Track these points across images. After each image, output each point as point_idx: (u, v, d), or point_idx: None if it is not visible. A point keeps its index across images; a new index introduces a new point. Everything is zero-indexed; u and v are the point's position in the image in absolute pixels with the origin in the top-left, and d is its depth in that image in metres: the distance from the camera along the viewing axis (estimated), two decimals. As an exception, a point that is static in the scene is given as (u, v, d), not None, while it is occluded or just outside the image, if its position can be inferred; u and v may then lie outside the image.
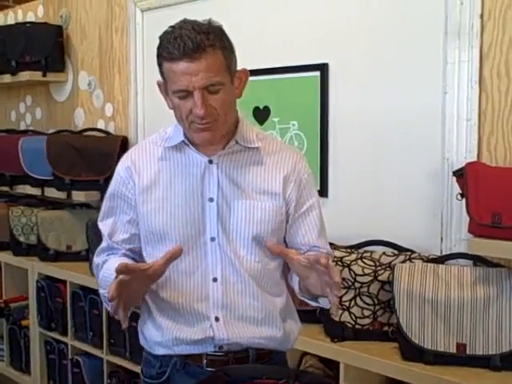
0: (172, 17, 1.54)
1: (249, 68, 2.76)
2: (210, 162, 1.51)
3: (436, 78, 2.14)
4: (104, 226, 1.61)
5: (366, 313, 2.10)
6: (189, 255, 1.50)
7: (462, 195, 1.95)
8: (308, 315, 2.21)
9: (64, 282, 3.14)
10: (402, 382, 1.94)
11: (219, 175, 1.51)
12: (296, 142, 2.55)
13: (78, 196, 3.25)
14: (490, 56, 2.03)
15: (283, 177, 1.54)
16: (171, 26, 1.43)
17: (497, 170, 1.98)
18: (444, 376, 1.84)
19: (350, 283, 2.11)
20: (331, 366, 2.17)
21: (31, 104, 4.08)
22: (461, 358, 1.89)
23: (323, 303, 1.46)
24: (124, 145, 3.25)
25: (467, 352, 1.89)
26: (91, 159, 3.21)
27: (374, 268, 2.11)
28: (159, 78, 1.48)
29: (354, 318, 2.10)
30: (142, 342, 1.62)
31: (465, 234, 2.03)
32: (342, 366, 2.04)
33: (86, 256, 3.19)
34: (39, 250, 3.32)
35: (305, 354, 2.26)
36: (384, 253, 2.16)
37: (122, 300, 1.35)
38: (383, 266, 2.11)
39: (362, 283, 2.10)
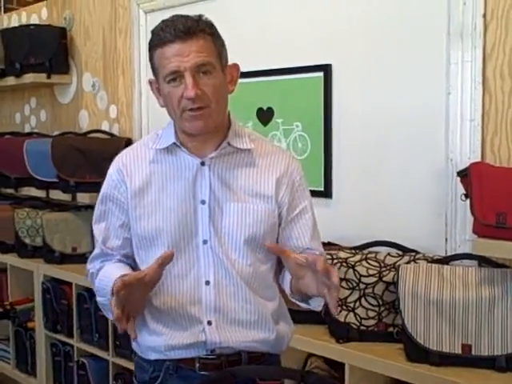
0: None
1: (252, 69, 2.77)
2: (202, 164, 1.51)
3: (439, 79, 2.14)
4: (97, 230, 1.60)
5: (371, 314, 2.10)
6: (181, 258, 1.50)
7: (466, 195, 1.95)
8: (313, 316, 2.21)
9: (69, 283, 3.15)
10: (407, 383, 1.94)
11: (211, 177, 1.51)
12: (300, 143, 2.56)
13: (83, 198, 3.26)
14: (493, 56, 2.02)
15: (276, 179, 1.53)
16: (163, 20, 1.46)
17: (501, 170, 1.98)
18: (449, 377, 1.83)
19: (354, 284, 2.11)
20: (336, 367, 2.17)
21: (36, 106, 4.09)
22: (466, 359, 1.89)
23: (314, 305, 1.46)
24: (128, 146, 3.24)
25: (472, 353, 1.89)
26: (96, 161, 3.21)
27: (378, 269, 2.11)
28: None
29: (358, 318, 2.10)
30: (134, 346, 1.61)
31: (469, 235, 2.02)
32: (347, 367, 2.04)
33: (91, 258, 3.19)
34: (44, 252, 3.33)
35: (310, 355, 2.26)
36: (388, 253, 2.16)
37: (125, 315, 1.35)
38: (388, 267, 2.10)
39: (367, 284, 2.10)
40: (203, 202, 1.50)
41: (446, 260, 2.04)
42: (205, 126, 1.45)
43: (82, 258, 3.26)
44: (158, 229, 1.50)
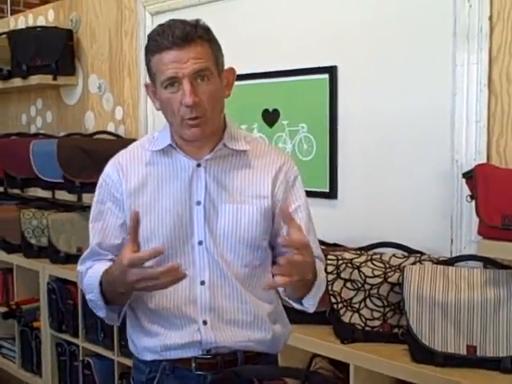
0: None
1: (258, 71, 2.78)
2: (198, 165, 1.52)
3: (445, 81, 2.14)
4: (93, 230, 1.59)
5: (376, 314, 2.10)
6: (177, 259, 1.50)
7: (472, 197, 1.95)
8: (318, 317, 2.22)
9: (75, 283, 3.15)
10: (411, 383, 1.95)
11: (207, 179, 1.52)
12: (305, 145, 2.56)
13: (89, 198, 3.25)
14: (499, 58, 2.03)
15: (271, 179, 1.54)
16: (160, 24, 1.46)
17: (506, 171, 1.98)
18: (454, 378, 1.84)
19: (359, 285, 2.12)
20: (341, 367, 2.18)
21: (42, 107, 4.10)
22: (471, 360, 1.89)
23: (307, 305, 1.47)
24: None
25: (477, 354, 1.89)
26: (101, 162, 3.15)
27: (383, 270, 2.11)
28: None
29: (363, 319, 2.11)
30: (131, 347, 1.62)
31: (475, 236, 2.03)
32: (351, 368, 2.05)
33: (96, 258, 3.21)
34: (50, 253, 3.34)
35: (314, 355, 2.26)
36: (394, 255, 2.16)
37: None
38: (393, 268, 2.11)
39: (372, 285, 2.11)
40: (199, 203, 1.51)
41: (451, 261, 2.04)
42: (202, 133, 1.47)
43: (87, 259, 3.29)
44: (153, 229, 1.51)
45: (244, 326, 1.53)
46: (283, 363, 1.93)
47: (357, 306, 2.12)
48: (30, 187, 3.55)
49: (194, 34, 1.41)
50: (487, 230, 1.87)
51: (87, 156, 3.25)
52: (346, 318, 2.12)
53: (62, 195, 3.35)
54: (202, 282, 1.51)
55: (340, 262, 2.14)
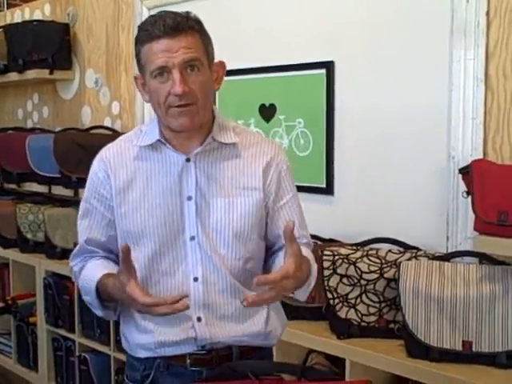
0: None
1: (255, 65, 2.78)
2: (188, 160, 1.50)
3: (442, 77, 2.14)
4: (81, 227, 1.58)
5: (372, 310, 2.11)
6: (169, 255, 1.50)
7: (468, 193, 1.96)
8: (314, 312, 2.23)
9: (71, 279, 3.13)
10: (407, 379, 1.95)
11: (197, 173, 1.50)
12: (302, 140, 2.56)
13: (85, 194, 3.26)
14: (496, 54, 2.03)
15: (262, 170, 1.53)
16: (151, 15, 1.46)
17: (502, 167, 1.98)
18: (450, 373, 1.84)
19: (355, 280, 2.12)
20: (337, 363, 2.18)
21: (38, 102, 4.09)
22: (467, 356, 1.89)
23: (299, 296, 1.47)
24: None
25: (473, 349, 1.89)
26: (98, 157, 3.21)
27: (379, 265, 2.11)
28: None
29: (359, 315, 2.11)
30: (124, 345, 1.61)
31: (470, 232, 2.03)
32: (347, 363, 2.05)
33: (92, 253, 3.20)
34: (46, 248, 3.34)
35: (311, 351, 2.27)
36: (390, 250, 2.16)
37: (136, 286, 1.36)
38: (389, 264, 2.11)
39: (368, 280, 2.11)
40: (189, 198, 1.50)
41: (447, 257, 2.04)
42: (190, 123, 1.44)
43: (83, 254, 3.29)
44: (143, 226, 1.50)
45: (238, 320, 1.53)
46: (279, 359, 1.93)
47: (353, 301, 2.12)
48: (26, 182, 3.55)
49: (185, 24, 1.40)
50: (483, 226, 1.87)
51: (84, 151, 3.24)
52: (342, 314, 2.12)
53: (59, 190, 3.35)
54: (195, 279, 1.50)
55: (336, 257, 2.14)
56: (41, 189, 3.47)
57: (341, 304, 2.13)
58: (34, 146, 3.39)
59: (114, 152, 1.55)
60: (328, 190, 2.47)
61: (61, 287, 3.23)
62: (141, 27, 1.45)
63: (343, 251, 2.16)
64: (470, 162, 1.99)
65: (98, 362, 3.06)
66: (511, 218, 1.83)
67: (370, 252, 2.16)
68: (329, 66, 2.45)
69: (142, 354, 1.56)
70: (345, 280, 2.13)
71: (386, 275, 2.10)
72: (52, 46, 3.60)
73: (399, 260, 2.09)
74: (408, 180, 2.26)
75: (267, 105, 2.68)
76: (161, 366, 1.54)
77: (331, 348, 2.12)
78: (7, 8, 4.47)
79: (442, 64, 2.14)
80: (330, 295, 2.14)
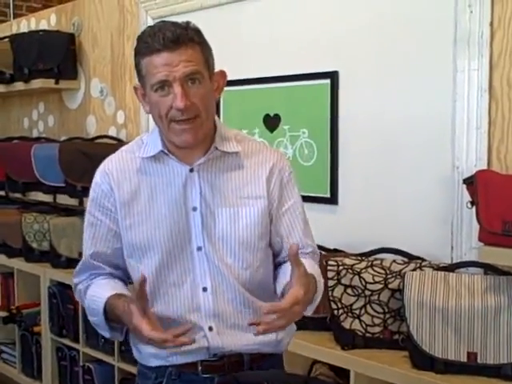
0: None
1: (259, 76, 2.79)
2: (191, 170, 1.49)
3: (446, 87, 2.14)
4: (86, 240, 1.56)
5: (377, 321, 2.10)
6: (176, 266, 1.49)
7: (472, 203, 1.95)
8: (318, 323, 2.22)
9: (76, 288, 3.15)
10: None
11: (201, 183, 1.49)
12: (306, 150, 2.56)
13: (90, 203, 3.26)
14: (500, 64, 2.03)
15: (266, 178, 1.52)
16: (150, 26, 1.44)
17: (507, 177, 1.97)
18: (454, 385, 1.84)
19: (360, 291, 2.11)
20: (341, 374, 2.17)
21: (44, 111, 4.11)
22: (471, 367, 1.88)
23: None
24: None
25: (478, 361, 1.88)
26: (103, 166, 3.22)
27: (384, 276, 2.11)
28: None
29: (364, 325, 2.10)
30: (135, 355, 1.61)
31: (475, 243, 2.02)
32: (352, 375, 2.04)
33: (97, 263, 3.21)
34: (51, 257, 3.35)
35: (315, 361, 2.26)
36: (394, 261, 2.16)
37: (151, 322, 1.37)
38: (394, 274, 2.10)
39: (373, 291, 2.10)
40: (194, 209, 1.49)
41: (451, 268, 2.03)
42: (194, 139, 1.43)
43: (88, 263, 3.29)
44: (149, 238, 1.49)
45: (249, 329, 1.50)
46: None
47: (357, 312, 2.11)
48: (31, 191, 3.56)
49: (185, 37, 1.39)
50: (488, 236, 1.86)
51: (89, 160, 3.25)
52: (346, 324, 2.12)
53: (64, 199, 3.35)
54: (204, 289, 1.50)
55: (340, 267, 2.14)
56: (46, 198, 3.47)
57: (345, 315, 2.12)
58: (40, 155, 3.40)
59: (117, 164, 1.53)
60: (332, 199, 2.47)
61: (65, 296, 3.23)
62: (140, 38, 1.43)
63: (348, 261, 2.16)
64: (474, 171, 1.99)
65: (102, 372, 3.06)
66: (516, 228, 1.82)
67: (375, 262, 2.15)
68: (333, 76, 2.46)
69: (154, 363, 1.55)
70: (349, 290, 2.12)
71: (390, 286, 2.09)
72: (57, 56, 3.62)
73: (404, 271, 2.08)
74: (412, 190, 2.26)
75: (271, 115, 2.69)
76: (172, 373, 1.54)
77: (335, 359, 2.11)
78: (13, 18, 4.49)
79: (445, 74, 2.14)
80: (334, 306, 2.14)
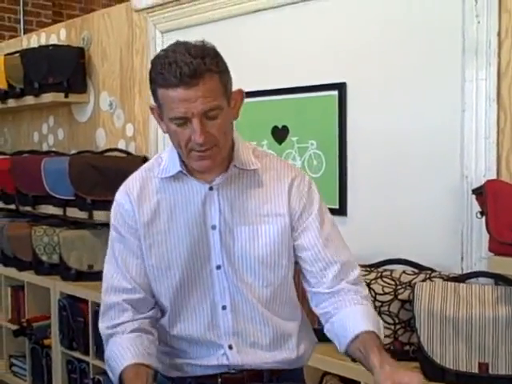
0: (191, 36, 1.55)
1: (267, 88, 2.79)
2: (211, 188, 1.48)
3: (454, 97, 2.14)
4: (112, 273, 1.52)
5: (387, 332, 2.09)
6: (196, 285, 1.49)
7: (482, 213, 1.94)
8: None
9: (86, 301, 3.16)
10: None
11: (220, 201, 1.48)
12: (315, 161, 2.57)
13: (100, 216, 3.27)
14: (508, 74, 2.03)
15: (286, 195, 1.50)
16: (163, 50, 1.40)
17: (517, 187, 1.97)
18: (466, 396, 1.82)
19: (370, 302, 2.10)
20: (352, 385, 2.16)
21: (53, 125, 4.14)
22: (483, 378, 1.87)
23: None
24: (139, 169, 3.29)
25: (490, 371, 1.87)
26: (112, 179, 3.21)
27: (394, 287, 2.10)
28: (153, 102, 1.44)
29: (374, 337, 2.09)
30: (155, 364, 1.57)
31: (485, 253, 2.01)
32: (362, 386, 2.04)
33: (107, 275, 3.22)
34: (61, 270, 3.36)
35: (325, 373, 2.25)
36: (404, 271, 2.15)
37: None
38: (403, 285, 2.10)
39: (383, 302, 2.09)
40: (214, 228, 1.48)
41: (462, 278, 2.02)
42: (212, 164, 1.43)
43: (98, 276, 3.25)
44: (169, 257, 1.48)
45: (269, 348, 1.51)
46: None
47: (367, 323, 2.10)
48: (41, 204, 3.57)
49: (203, 69, 1.34)
50: (498, 247, 1.86)
51: (98, 173, 3.27)
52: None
53: (74, 212, 3.36)
54: (224, 307, 1.49)
55: (350, 278, 2.13)
56: (56, 211, 3.48)
57: (355, 326, 2.11)
58: (50, 168, 3.42)
59: (137, 184, 1.52)
60: (341, 210, 2.47)
61: (75, 309, 3.23)
62: (155, 66, 1.38)
63: (357, 272, 2.15)
64: (483, 181, 1.98)
65: (112, 385, 3.05)
66: (526, 238, 1.81)
67: (384, 273, 2.15)
68: (341, 88, 2.46)
69: (174, 374, 1.55)
70: (359, 301, 2.11)
71: (400, 297, 2.08)
72: (67, 70, 3.65)
73: (414, 281, 2.07)
74: (422, 200, 2.26)
75: (280, 127, 2.69)
76: None
77: (346, 370, 2.10)
78: (24, 33, 4.54)
79: (454, 84, 2.14)
80: (343, 317, 2.13)
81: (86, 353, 3.17)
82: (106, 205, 3.21)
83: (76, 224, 3.52)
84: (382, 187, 2.37)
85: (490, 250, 1.89)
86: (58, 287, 3.33)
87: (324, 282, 1.48)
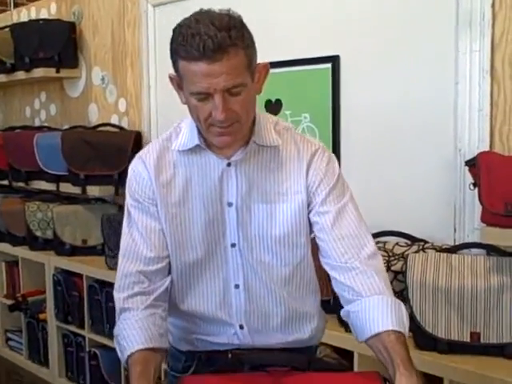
0: (183, 10, 1.54)
1: (260, 61, 2.76)
2: (229, 164, 1.42)
3: (447, 69, 2.14)
4: (133, 238, 1.45)
5: (380, 303, 2.11)
6: (209, 262, 1.45)
7: (475, 185, 1.96)
8: (322, 305, 2.23)
9: (80, 275, 3.18)
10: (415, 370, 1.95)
11: (238, 178, 1.42)
12: (308, 135, 2.56)
13: (93, 191, 3.28)
14: (502, 46, 2.03)
15: (305, 171, 1.43)
16: (187, 19, 1.31)
17: (509, 159, 1.98)
18: (458, 365, 1.85)
19: (363, 274, 2.12)
20: (346, 356, 2.19)
21: (45, 100, 4.11)
22: (475, 347, 1.90)
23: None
24: (138, 139, 3.29)
25: (481, 340, 1.89)
26: (105, 154, 3.24)
27: (387, 258, 2.12)
28: (171, 71, 1.37)
29: (367, 308, 2.11)
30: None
31: (478, 224, 2.03)
32: (356, 356, 2.06)
33: (101, 250, 3.23)
34: (55, 245, 3.37)
35: (319, 344, 2.27)
36: (397, 243, 2.17)
37: None
38: (396, 257, 2.11)
39: (376, 273, 2.11)
40: (230, 205, 1.43)
41: (454, 249, 2.04)
42: (232, 140, 1.36)
43: (92, 251, 3.32)
44: (184, 231, 1.44)
45: (280, 328, 1.50)
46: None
47: (361, 294, 2.12)
48: (34, 180, 3.57)
49: (228, 43, 1.25)
50: (490, 217, 1.87)
51: (91, 148, 3.26)
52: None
53: (67, 188, 3.37)
54: (237, 286, 1.46)
55: (343, 250, 2.14)
56: (49, 187, 3.48)
57: (349, 297, 2.13)
58: (42, 144, 3.41)
59: (154, 154, 1.46)
60: (335, 183, 2.47)
61: (70, 284, 3.25)
62: (177, 37, 1.29)
63: (350, 244, 2.16)
64: (476, 153, 1.99)
65: (108, 358, 3.07)
66: (518, 209, 1.83)
67: (378, 245, 2.14)
68: (334, 61, 2.45)
69: (184, 348, 1.54)
70: (352, 273, 2.13)
71: (393, 268, 2.10)
72: (58, 44, 3.62)
73: (406, 253, 2.09)
74: (415, 172, 2.26)
75: (273, 100, 2.69)
76: (202, 358, 1.52)
77: (339, 341, 2.12)
78: (14, 7, 4.48)
79: (447, 56, 2.14)
80: (337, 288, 2.15)
81: (82, 326, 3.19)
82: (99, 180, 3.27)
83: (69, 199, 3.52)
84: (375, 160, 2.38)
85: (483, 220, 1.91)
86: (52, 262, 3.34)
87: (335, 256, 1.41)
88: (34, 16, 4.06)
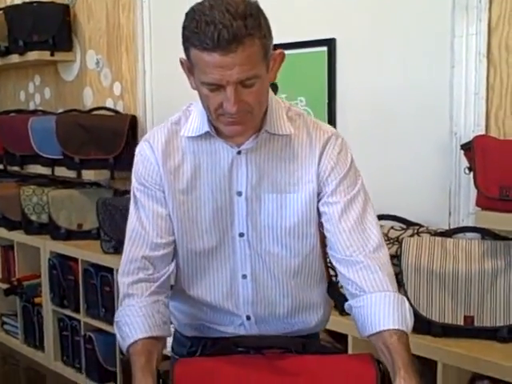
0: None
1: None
2: (239, 153, 1.37)
3: (444, 52, 2.13)
4: (141, 221, 1.41)
5: (375, 287, 2.11)
6: (216, 251, 1.43)
7: (470, 169, 1.96)
8: (317, 290, 2.24)
9: (75, 259, 3.18)
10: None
11: (248, 167, 1.37)
12: (304, 118, 2.56)
13: (88, 175, 3.27)
14: (498, 29, 2.02)
15: (317, 160, 1.39)
16: (200, 3, 1.23)
17: (505, 143, 1.98)
18: (452, 348, 1.86)
19: (358, 257, 2.12)
20: (340, 339, 2.20)
21: (40, 84, 4.09)
22: (468, 330, 1.91)
23: None
24: (133, 123, 3.27)
25: (475, 324, 1.91)
26: (100, 138, 3.23)
27: (382, 242, 2.12)
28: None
29: (362, 291, 2.12)
30: (172, 320, 1.54)
31: (473, 208, 2.03)
32: (350, 339, 2.07)
33: (96, 234, 3.23)
34: (51, 229, 3.37)
35: (314, 327, 2.28)
36: (392, 227, 2.17)
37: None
38: (391, 240, 2.12)
39: (371, 257, 2.11)
40: (239, 194, 1.39)
41: (449, 233, 2.05)
42: (243, 130, 1.31)
43: (87, 235, 3.32)
44: (192, 219, 1.40)
45: (286, 318, 1.49)
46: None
47: (355, 278, 2.12)
48: (29, 164, 3.56)
49: (243, 33, 1.19)
50: (485, 201, 1.88)
51: (86, 132, 3.25)
52: (344, 290, 2.13)
53: (62, 172, 3.36)
54: (244, 276, 1.43)
55: (339, 234, 2.15)
56: (44, 171, 3.48)
57: (343, 281, 2.13)
58: (37, 127, 3.39)
59: (162, 138, 1.41)
60: (330, 167, 2.47)
61: (65, 268, 3.25)
62: (189, 23, 1.22)
63: (345, 228, 2.16)
64: (472, 137, 1.99)
65: (104, 341, 3.09)
66: (513, 193, 1.83)
67: (373, 229, 2.16)
68: (330, 44, 2.44)
69: (190, 333, 1.53)
70: (347, 257, 2.13)
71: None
72: (52, 28, 3.59)
73: (401, 237, 2.10)
74: (410, 156, 2.26)
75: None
76: (208, 344, 1.51)
77: (334, 324, 2.11)
78: (7, -10, 4.45)
79: (444, 39, 2.13)
80: (332, 272, 2.14)
81: (77, 310, 3.20)
82: (94, 163, 3.26)
83: (64, 183, 3.51)
84: (371, 143, 2.37)
85: (478, 204, 1.91)
86: (47, 246, 3.34)
87: (340, 249, 1.39)
88: (27, -1, 4.02)
